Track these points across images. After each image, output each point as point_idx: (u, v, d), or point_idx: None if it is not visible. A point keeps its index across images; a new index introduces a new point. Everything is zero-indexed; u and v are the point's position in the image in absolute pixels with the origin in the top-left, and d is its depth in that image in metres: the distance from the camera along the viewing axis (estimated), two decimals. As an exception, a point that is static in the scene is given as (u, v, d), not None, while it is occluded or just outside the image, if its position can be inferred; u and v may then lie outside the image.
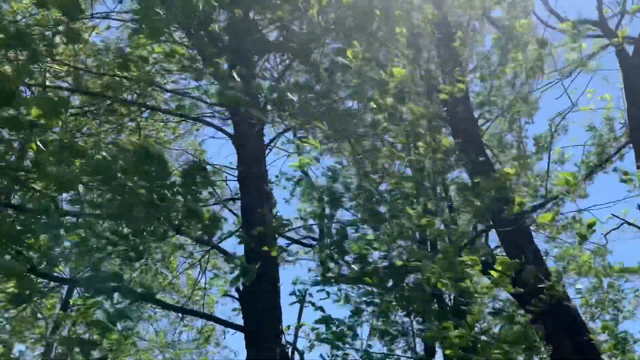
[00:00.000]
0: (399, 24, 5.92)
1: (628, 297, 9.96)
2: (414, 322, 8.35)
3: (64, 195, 5.65)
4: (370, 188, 6.35)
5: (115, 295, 5.61)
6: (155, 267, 12.25)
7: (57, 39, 5.69)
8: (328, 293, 7.54)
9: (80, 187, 4.83)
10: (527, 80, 8.79)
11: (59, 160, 4.15)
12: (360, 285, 7.00)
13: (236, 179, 9.17)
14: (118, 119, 9.37)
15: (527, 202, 8.52)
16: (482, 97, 9.56)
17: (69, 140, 4.57)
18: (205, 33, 5.84)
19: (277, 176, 10.32)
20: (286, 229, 8.11)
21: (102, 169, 4.25)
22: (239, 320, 7.99)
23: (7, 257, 4.93)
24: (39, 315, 11.67)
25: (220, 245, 9.24)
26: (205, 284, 11.30)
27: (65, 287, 11.98)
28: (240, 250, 8.53)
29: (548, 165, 10.39)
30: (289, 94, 5.32)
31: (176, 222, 4.51)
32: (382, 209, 6.31)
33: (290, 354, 7.97)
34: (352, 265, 6.53)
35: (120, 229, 4.59)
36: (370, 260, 6.63)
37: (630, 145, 10.36)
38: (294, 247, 9.67)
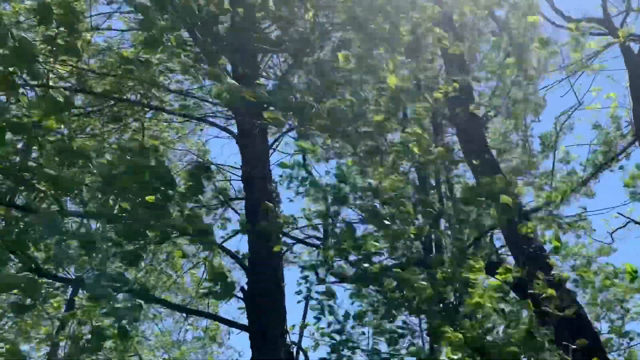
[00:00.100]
0: (401, 23, 5.89)
1: (635, 298, 9.91)
2: (421, 322, 8.32)
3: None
4: (373, 188, 6.31)
5: (120, 296, 5.61)
6: (159, 267, 12.28)
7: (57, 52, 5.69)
8: (333, 294, 7.50)
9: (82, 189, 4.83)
10: (530, 80, 8.76)
11: (60, 162, 4.15)
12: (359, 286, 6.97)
13: (240, 178, 9.16)
14: (122, 119, 9.37)
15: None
16: (486, 96, 9.54)
17: (68, 144, 4.56)
18: (209, 33, 5.84)
19: (281, 176, 10.30)
20: (290, 227, 8.09)
21: (103, 172, 4.25)
22: (244, 320, 7.99)
23: (12, 257, 4.94)
24: (44, 315, 11.68)
25: (224, 244, 9.24)
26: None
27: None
28: (244, 249, 8.53)
29: (553, 165, 10.37)
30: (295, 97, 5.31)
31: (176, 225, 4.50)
32: (384, 209, 6.28)
33: (295, 354, 7.96)
34: (356, 265, 6.51)
35: (120, 229, 4.58)
36: (376, 260, 6.60)
37: (637, 143, 10.32)
38: (297, 248, 9.68)
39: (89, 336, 4.69)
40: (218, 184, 10.59)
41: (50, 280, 7.52)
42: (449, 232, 7.36)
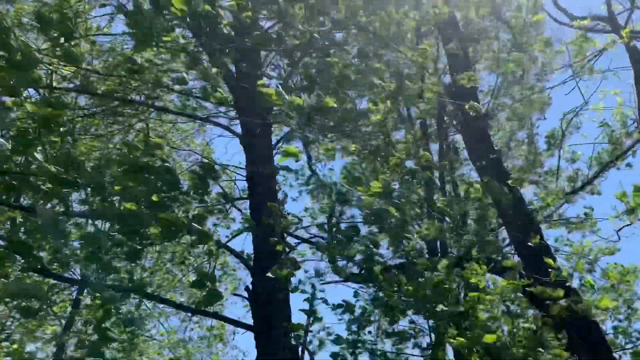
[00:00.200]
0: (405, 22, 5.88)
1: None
2: (427, 322, 8.30)
3: (74, 195, 5.68)
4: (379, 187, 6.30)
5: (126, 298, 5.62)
6: (165, 267, 12.30)
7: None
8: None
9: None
10: (537, 77, 8.73)
11: (58, 163, 4.15)
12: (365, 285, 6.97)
13: (244, 178, 9.17)
14: (126, 119, 9.38)
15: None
16: (491, 94, 9.52)
17: (67, 151, 4.56)
18: (211, 31, 5.83)
19: (284, 176, 10.32)
20: (295, 227, 8.10)
21: (93, 179, 4.26)
22: (249, 320, 7.99)
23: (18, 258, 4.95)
24: (50, 314, 11.72)
25: (228, 244, 9.24)
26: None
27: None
28: (248, 248, 8.54)
29: (558, 163, 10.34)
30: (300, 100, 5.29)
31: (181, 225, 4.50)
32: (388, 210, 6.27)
33: (300, 354, 7.95)
34: (360, 264, 6.51)
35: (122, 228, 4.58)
36: (380, 260, 6.59)
37: (642, 141, 10.28)
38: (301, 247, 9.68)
39: (95, 336, 4.69)
40: (222, 184, 10.61)
41: (56, 281, 7.54)
42: (453, 234, 7.34)
